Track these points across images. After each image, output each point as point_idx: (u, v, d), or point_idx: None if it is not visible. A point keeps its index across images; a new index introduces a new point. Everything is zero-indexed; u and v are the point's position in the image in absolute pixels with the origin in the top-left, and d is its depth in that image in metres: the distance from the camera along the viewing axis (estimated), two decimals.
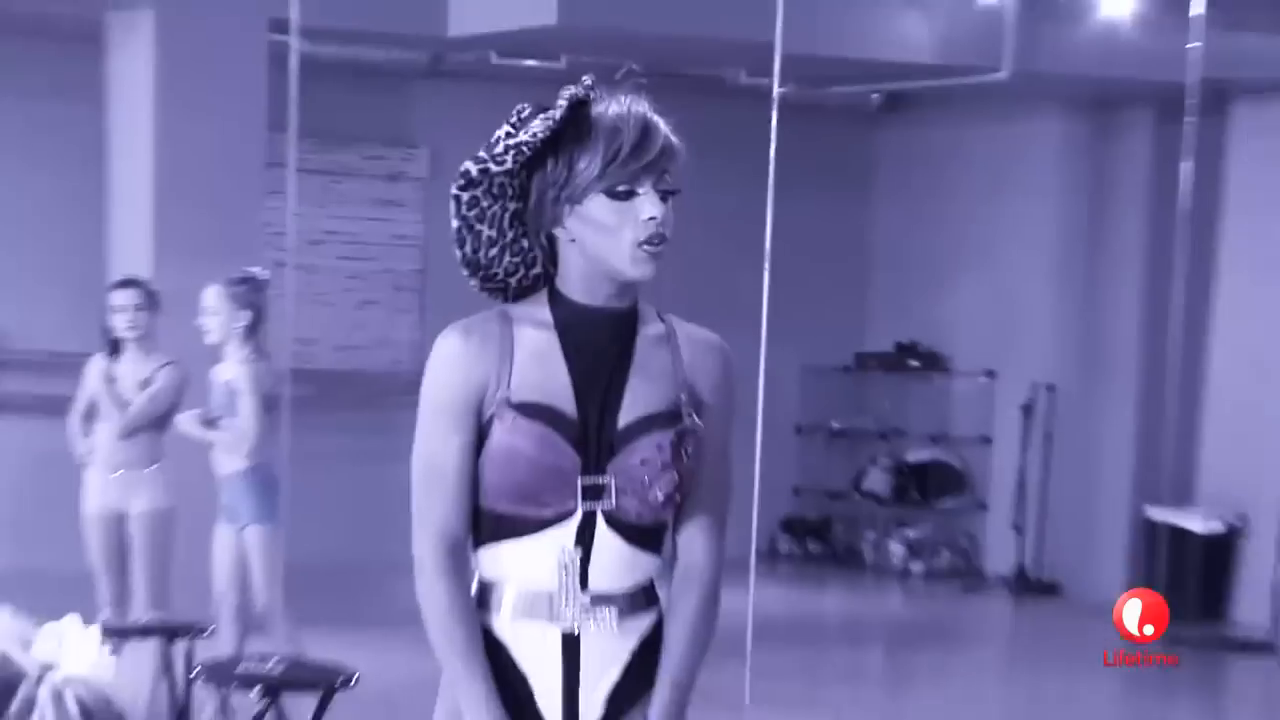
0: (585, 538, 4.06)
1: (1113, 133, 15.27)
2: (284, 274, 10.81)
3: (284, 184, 10.63)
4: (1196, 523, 13.88)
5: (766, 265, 8.51)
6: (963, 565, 16.35)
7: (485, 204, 4.10)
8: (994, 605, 15.42)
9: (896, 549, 16.42)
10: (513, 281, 4.18)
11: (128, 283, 9.94)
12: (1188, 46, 11.05)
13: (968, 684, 13.21)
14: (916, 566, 16.30)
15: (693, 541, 4.20)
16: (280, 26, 10.38)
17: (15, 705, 2.87)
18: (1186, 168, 11.63)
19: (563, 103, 4.02)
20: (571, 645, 4.11)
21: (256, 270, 9.95)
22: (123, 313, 9.70)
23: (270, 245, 11.99)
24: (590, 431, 4.07)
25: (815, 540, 16.95)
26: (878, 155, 16.98)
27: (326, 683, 6.91)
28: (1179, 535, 13.36)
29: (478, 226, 4.12)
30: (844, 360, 16.85)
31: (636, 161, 4.02)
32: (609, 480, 4.05)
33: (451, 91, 14.48)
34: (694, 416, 4.12)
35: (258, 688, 6.89)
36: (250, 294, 9.61)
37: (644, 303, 4.20)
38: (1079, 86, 14.57)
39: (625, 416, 4.08)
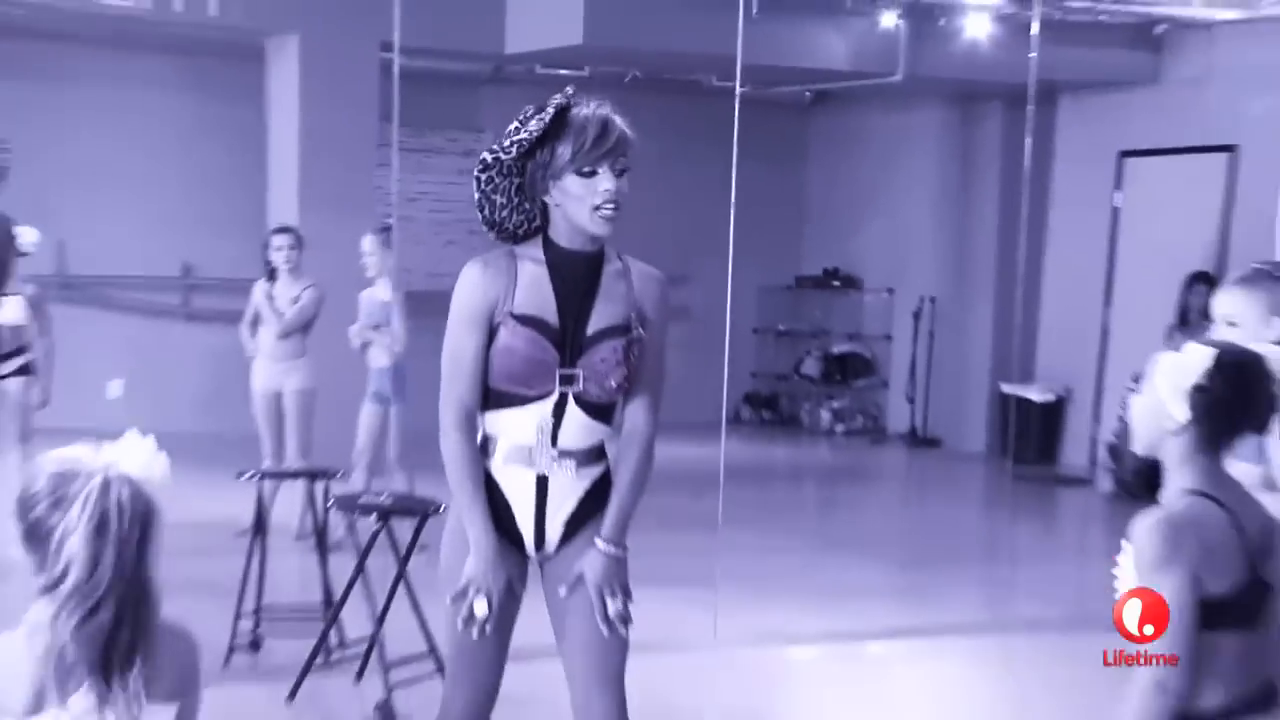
0: (559, 411, 4.20)
1: (975, 118, 15.20)
2: (391, 224, 10.76)
3: (390, 159, 10.55)
4: (1035, 394, 13.85)
5: (732, 214, 8.44)
6: (871, 426, 16.31)
7: (498, 181, 4.26)
8: (892, 454, 15.40)
9: (824, 415, 16.42)
10: (520, 233, 4.30)
11: (283, 229, 9.94)
12: (1029, 56, 10.93)
13: (873, 510, 13.27)
14: (839, 428, 16.30)
15: (636, 414, 4.33)
16: (387, 46, 10.28)
17: (76, 488, 2.80)
18: (1027, 143, 11.53)
19: (550, 108, 4.14)
20: (542, 484, 4.26)
21: (390, 222, 9.98)
22: (279, 250, 9.69)
23: (380, 203, 12.01)
24: (567, 337, 4.20)
25: (767, 410, 16.91)
26: (809, 136, 16.88)
27: (422, 510, 6.92)
28: (1023, 403, 13.34)
29: (494, 196, 4.28)
30: (787, 281, 16.83)
31: (597, 150, 4.12)
32: (578, 372, 4.18)
33: (508, 92, 14.15)
34: (640, 329, 4.27)
35: (374, 514, 6.93)
36: (390, 239, 9.65)
37: (609, 247, 4.30)
38: (951, 86, 14.44)
39: (592, 327, 4.21)
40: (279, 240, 9.75)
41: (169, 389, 13.51)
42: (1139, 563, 3.29)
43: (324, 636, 7.01)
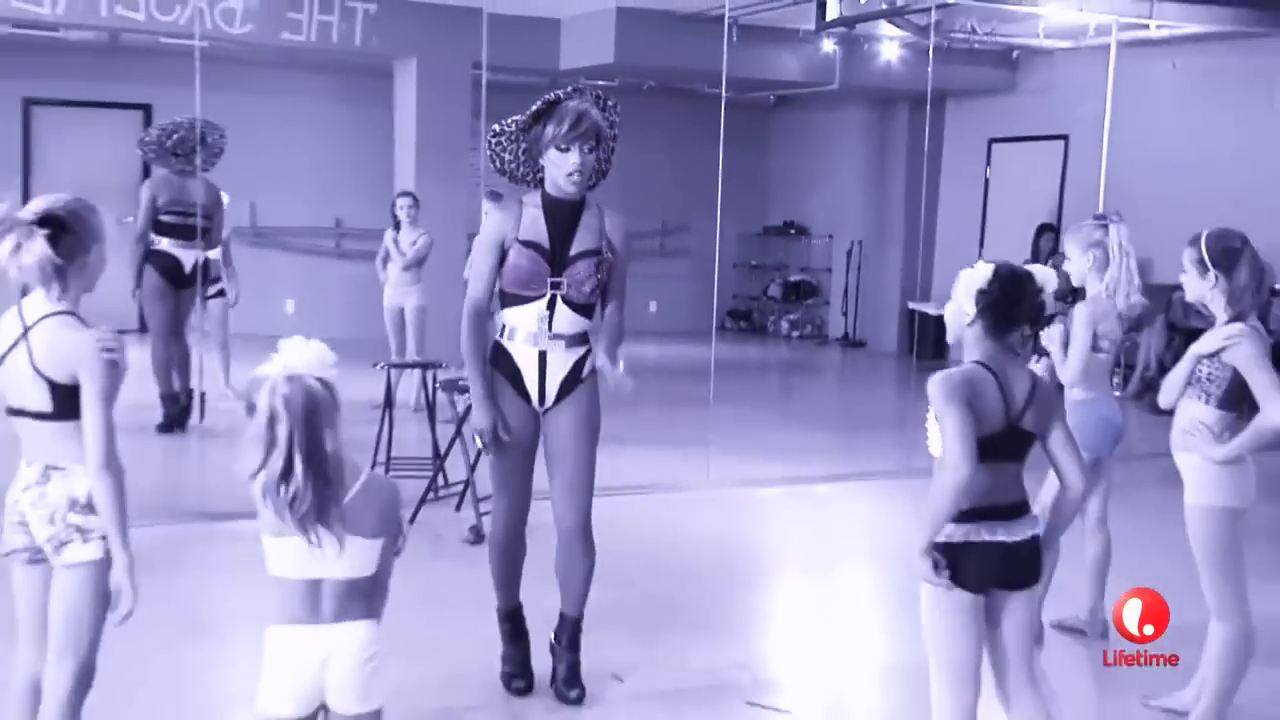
0: (551, 306, 4.20)
1: (889, 116, 14.89)
2: (480, 192, 10.62)
3: (479, 145, 10.47)
4: (931, 309, 13.62)
5: (719, 183, 8.28)
6: (816, 333, 16.08)
7: (506, 143, 4.31)
8: (833, 353, 15.22)
9: (784, 325, 16.16)
10: (528, 179, 4.34)
11: (405, 193, 9.81)
12: (927, 71, 10.78)
13: (818, 392, 13.14)
14: (794, 334, 16.04)
15: (611, 310, 4.33)
16: (477, 65, 10.14)
17: (260, 392, 2.71)
18: (926, 133, 11.43)
19: (549, 98, 4.19)
20: (542, 358, 4.25)
21: (499, 191, 9.86)
22: (402, 208, 9.57)
23: (471, 176, 11.80)
24: (555, 256, 4.19)
25: (744, 321, 16.70)
26: (772, 129, 16.58)
27: None
28: (924, 316, 13.12)
29: (503, 155, 4.33)
30: (757, 229, 16.54)
31: (571, 133, 4.12)
32: (563, 280, 4.19)
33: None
34: (609, 254, 4.25)
35: (467, 392, 6.80)
36: (502, 201, 9.45)
37: (589, 196, 4.28)
38: (873, 93, 14.15)
39: (573, 250, 4.20)
40: (402, 201, 9.63)
41: (326, 307, 13.35)
42: (932, 407, 3.28)
43: (433, 480, 6.93)
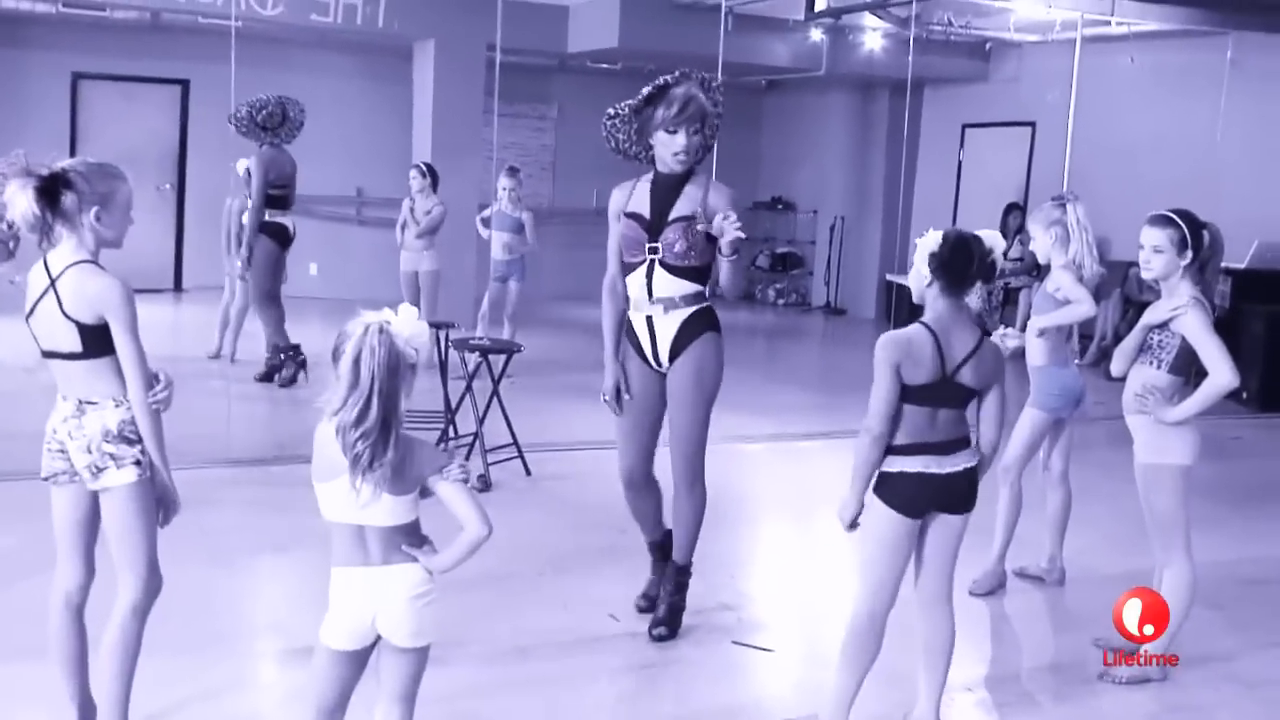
0: (650, 272, 4.16)
1: (871, 101, 14.79)
2: (492, 165, 10.58)
3: (492, 121, 10.43)
4: (909, 281, 13.67)
5: (714, 160, 8.26)
6: (801, 301, 16.03)
7: (620, 125, 4.22)
8: (816, 320, 15.17)
9: (771, 293, 16.08)
10: (641, 157, 4.27)
11: (423, 164, 9.68)
12: (907, 60, 10.75)
13: (802, 355, 13.13)
14: (780, 302, 15.98)
15: (717, 271, 4.28)
16: (491, 46, 10.10)
17: (347, 336, 2.74)
18: (906, 118, 11.41)
19: (655, 84, 4.12)
20: (649, 321, 4.24)
21: (517, 166, 9.86)
22: (414, 180, 9.49)
23: (484, 150, 11.78)
24: (653, 224, 4.16)
25: None
26: (764, 111, 16.47)
27: (509, 350, 6.81)
28: (902, 288, 13.09)
29: (616, 135, 4.24)
30: (748, 204, 16.43)
31: (678, 118, 4.10)
32: (659, 244, 4.15)
33: (569, 78, 14.13)
34: (700, 219, 4.15)
35: (477, 352, 6.80)
36: (520, 177, 9.42)
37: (698, 169, 4.24)
38: (856, 79, 14.04)
39: (670, 217, 4.16)
40: (412, 172, 9.52)
41: (348, 269, 13.36)
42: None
43: (445, 432, 6.91)
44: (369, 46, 12.96)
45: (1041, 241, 5.08)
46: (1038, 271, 13.04)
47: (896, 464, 3.42)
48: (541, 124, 14.72)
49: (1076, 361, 5.65)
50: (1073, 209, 5.02)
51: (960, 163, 14.06)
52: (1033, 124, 12.98)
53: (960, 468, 3.43)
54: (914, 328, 3.45)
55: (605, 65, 13.32)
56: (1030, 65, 13.03)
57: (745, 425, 8.34)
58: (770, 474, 7.36)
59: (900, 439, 3.40)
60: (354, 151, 13.60)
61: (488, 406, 6.73)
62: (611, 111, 4.23)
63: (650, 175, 4.25)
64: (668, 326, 4.23)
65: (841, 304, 15.37)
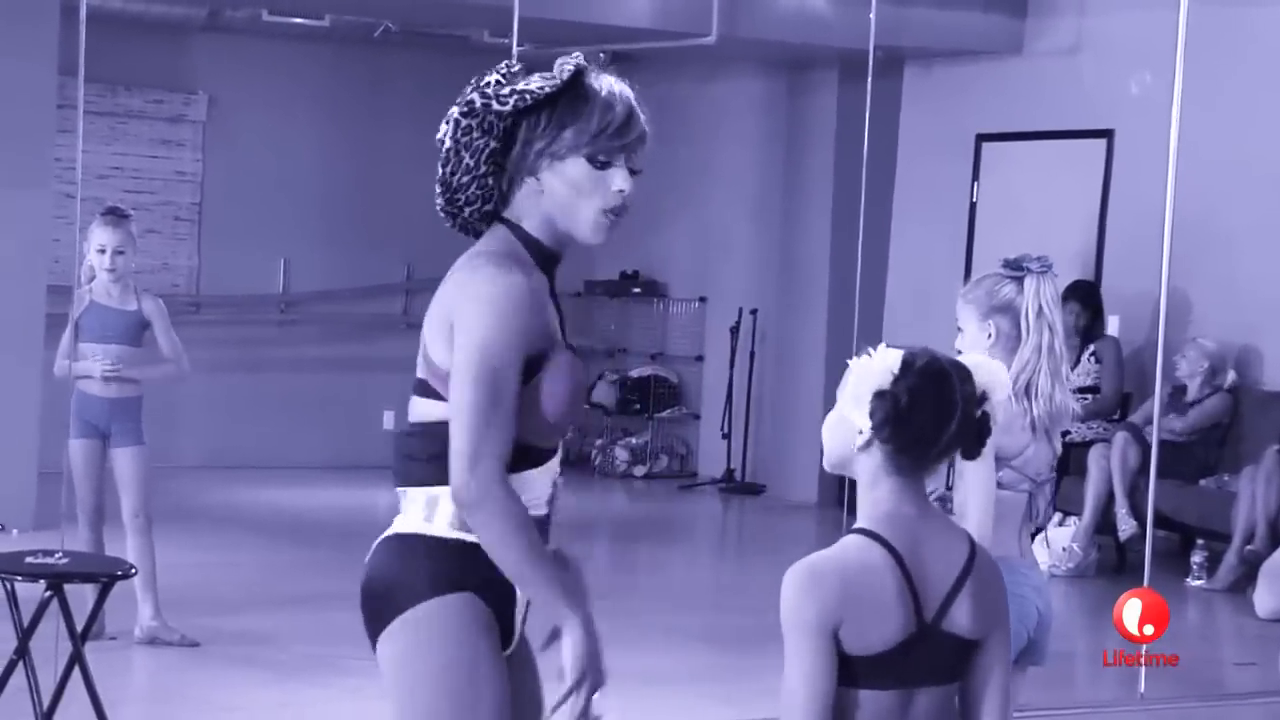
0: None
1: (804, 91, 15.24)
2: (73, 205, 10.56)
3: (74, 123, 10.42)
4: None
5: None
6: (678, 468, 16.29)
7: (475, 135, 4.07)
8: (706, 504, 15.41)
9: (621, 454, 16.32)
10: (466, 211, 4.16)
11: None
12: (869, 16, 10.97)
13: (682, 571, 13.26)
14: (638, 470, 16.23)
15: None
16: None
17: None
18: (867, 122, 11.61)
19: (568, 67, 4.07)
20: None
21: (122, 206, 9.78)
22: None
23: (60, 179, 11.83)
24: None
25: None
26: None
27: (109, 575, 6.67)
28: None
29: (463, 154, 4.08)
30: (574, 288, 16.60)
31: (620, 139, 4.09)
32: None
33: (228, 44, 14.38)
34: None
35: (40, 580, 6.68)
36: (132, 228, 9.57)
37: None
38: (775, 50, 14.49)
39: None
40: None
41: None
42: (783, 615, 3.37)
43: None
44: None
45: (974, 335, 5.28)
46: (1120, 414, 13.13)
47: None
48: (174, 131, 14.90)
49: (1047, 560, 5.72)
50: (1035, 286, 5.23)
51: (973, 205, 14.43)
52: (1109, 132, 13.41)
53: None
54: (848, 549, 3.45)
55: (301, 21, 13.45)
56: (1100, 27, 13.43)
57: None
58: None
59: None
60: None
61: (60, 686, 6.71)
62: (476, 103, 4.01)
63: (515, 250, 4.06)
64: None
65: (755, 475, 15.62)
